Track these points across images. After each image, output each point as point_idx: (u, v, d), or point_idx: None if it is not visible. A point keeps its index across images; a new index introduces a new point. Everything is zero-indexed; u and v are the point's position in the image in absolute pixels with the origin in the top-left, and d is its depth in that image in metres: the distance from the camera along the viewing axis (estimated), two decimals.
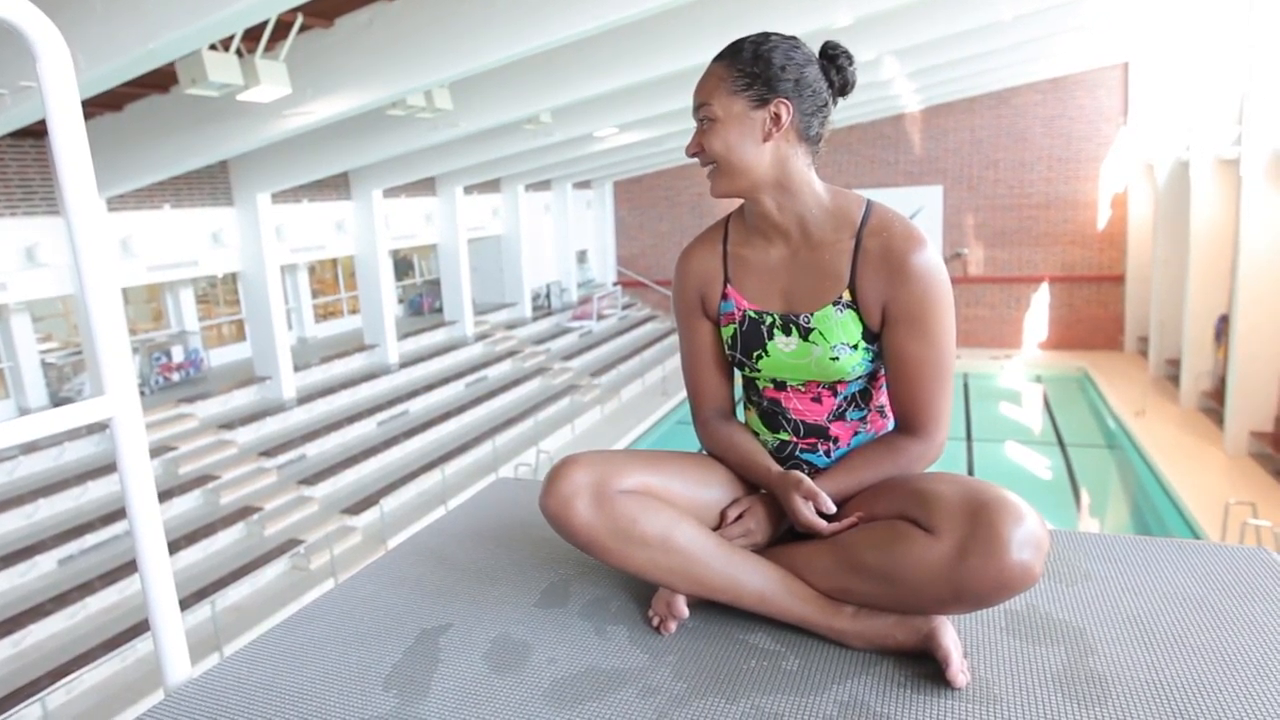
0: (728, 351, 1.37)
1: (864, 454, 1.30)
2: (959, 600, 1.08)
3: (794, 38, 1.24)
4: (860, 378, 1.30)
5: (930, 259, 1.21)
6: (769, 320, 1.31)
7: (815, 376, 1.30)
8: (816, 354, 1.27)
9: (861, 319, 1.25)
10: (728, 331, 1.35)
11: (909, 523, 1.14)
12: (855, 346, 1.26)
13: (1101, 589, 1.34)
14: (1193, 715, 1.02)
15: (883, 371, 1.31)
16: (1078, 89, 17.87)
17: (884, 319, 1.24)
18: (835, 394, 1.31)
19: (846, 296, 1.25)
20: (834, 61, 1.26)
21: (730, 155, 1.21)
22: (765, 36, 1.23)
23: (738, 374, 1.42)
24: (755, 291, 1.32)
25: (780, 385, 1.34)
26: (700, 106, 1.23)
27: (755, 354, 1.32)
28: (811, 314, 1.27)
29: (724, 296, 1.35)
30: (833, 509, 1.23)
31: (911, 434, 1.27)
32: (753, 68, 1.20)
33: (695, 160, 1.26)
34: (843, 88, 1.27)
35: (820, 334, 1.27)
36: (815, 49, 1.27)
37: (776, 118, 1.21)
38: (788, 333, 1.29)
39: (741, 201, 1.33)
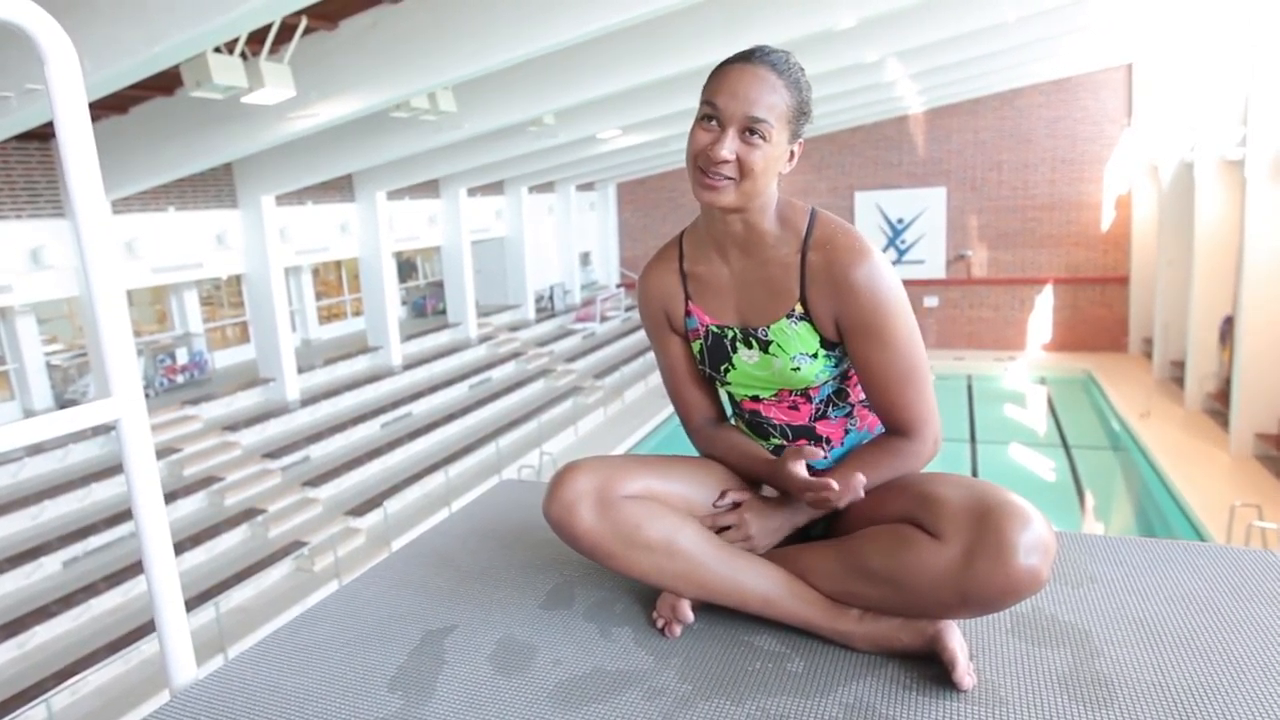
0: (698, 366, 1.39)
1: (861, 456, 1.29)
2: (965, 605, 1.08)
3: None
4: (829, 381, 1.31)
5: (873, 269, 1.20)
6: (730, 334, 1.32)
7: (783, 386, 1.31)
8: (777, 365, 1.28)
9: (816, 329, 1.25)
10: (695, 347, 1.37)
11: (914, 527, 1.14)
12: (814, 355, 1.26)
13: (1107, 591, 1.34)
14: (1199, 718, 1.02)
15: (853, 372, 1.31)
16: (1081, 90, 17.86)
17: (841, 332, 1.24)
18: (809, 400, 1.32)
19: (799, 309, 1.25)
20: None
21: (763, 178, 1.18)
22: (801, 69, 1.22)
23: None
24: (714, 307, 1.33)
25: (755, 397, 1.35)
26: (759, 121, 1.15)
27: (723, 367, 1.34)
28: (768, 327, 1.28)
29: (687, 314, 1.36)
30: (820, 455, 1.22)
31: (901, 436, 1.27)
32: (805, 102, 1.20)
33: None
34: None
35: (779, 345, 1.27)
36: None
37: (793, 155, 1.22)
38: (749, 346, 1.30)
39: (695, 217, 1.34)
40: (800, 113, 1.20)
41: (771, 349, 1.28)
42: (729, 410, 1.45)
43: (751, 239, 1.27)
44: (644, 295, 1.40)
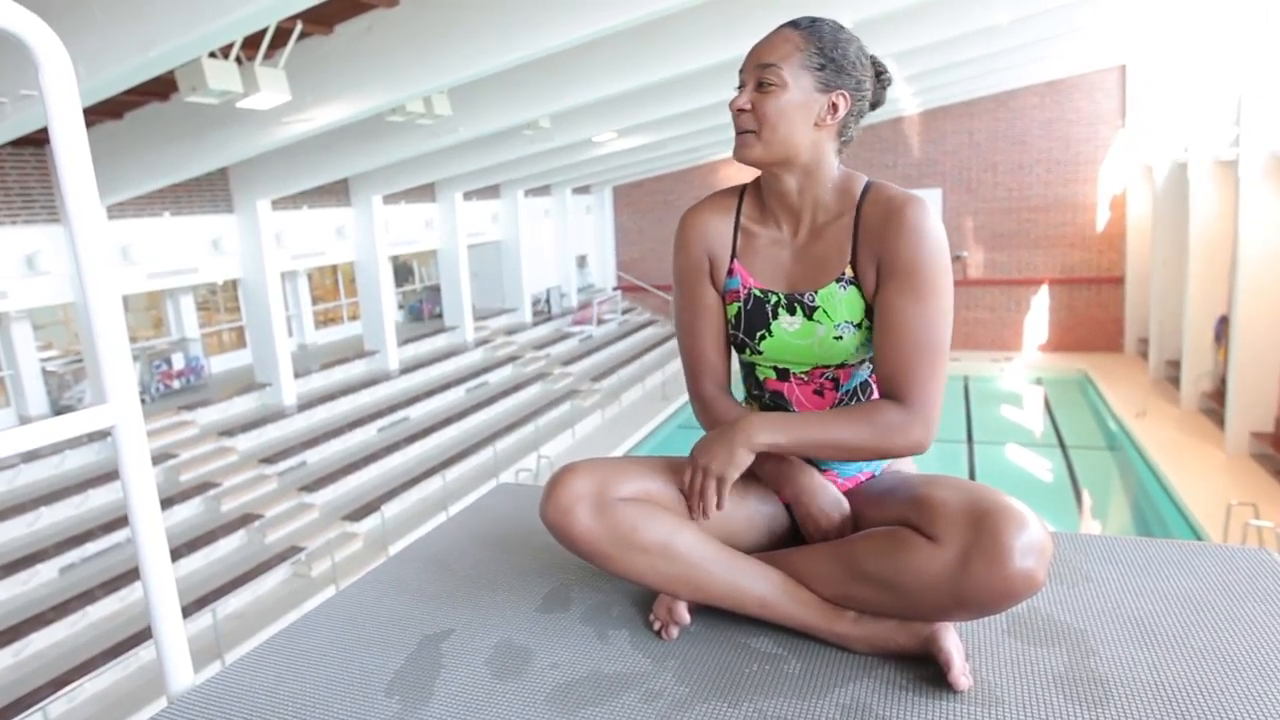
0: (730, 331, 1.34)
1: (843, 409, 1.22)
2: (962, 608, 1.08)
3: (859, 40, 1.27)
4: (862, 363, 1.30)
5: (928, 216, 1.19)
6: (774, 299, 1.29)
7: (818, 359, 1.28)
8: (820, 333, 1.26)
9: (863, 294, 1.24)
10: (732, 310, 1.33)
11: (910, 529, 1.13)
12: (858, 325, 1.25)
13: (1103, 591, 1.34)
14: (1194, 716, 1.02)
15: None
16: (1075, 91, 17.91)
17: (878, 277, 1.21)
18: (838, 387, 1.30)
19: (849, 273, 1.24)
20: (879, 77, 1.29)
21: (780, 125, 1.20)
22: (840, 25, 1.24)
23: (736, 367, 1.40)
24: (761, 270, 1.30)
25: (783, 375, 1.32)
26: (766, 67, 1.19)
27: (759, 334, 1.30)
28: (816, 292, 1.26)
29: (730, 272, 1.32)
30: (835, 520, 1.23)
31: (895, 404, 1.19)
32: (832, 51, 1.21)
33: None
34: (875, 103, 1.30)
35: (824, 312, 1.26)
36: None
37: (834, 107, 1.22)
38: (792, 312, 1.28)
39: (758, 175, 1.32)
40: (827, 59, 1.20)
41: (816, 315, 1.26)
42: (745, 391, 1.42)
43: (805, 206, 1.27)
44: (688, 235, 1.34)
